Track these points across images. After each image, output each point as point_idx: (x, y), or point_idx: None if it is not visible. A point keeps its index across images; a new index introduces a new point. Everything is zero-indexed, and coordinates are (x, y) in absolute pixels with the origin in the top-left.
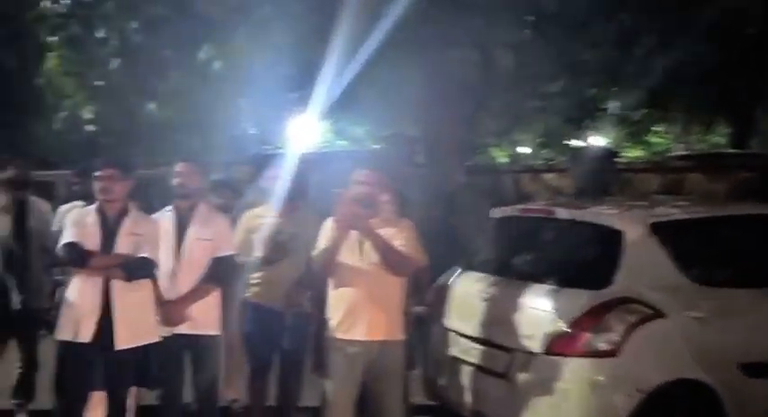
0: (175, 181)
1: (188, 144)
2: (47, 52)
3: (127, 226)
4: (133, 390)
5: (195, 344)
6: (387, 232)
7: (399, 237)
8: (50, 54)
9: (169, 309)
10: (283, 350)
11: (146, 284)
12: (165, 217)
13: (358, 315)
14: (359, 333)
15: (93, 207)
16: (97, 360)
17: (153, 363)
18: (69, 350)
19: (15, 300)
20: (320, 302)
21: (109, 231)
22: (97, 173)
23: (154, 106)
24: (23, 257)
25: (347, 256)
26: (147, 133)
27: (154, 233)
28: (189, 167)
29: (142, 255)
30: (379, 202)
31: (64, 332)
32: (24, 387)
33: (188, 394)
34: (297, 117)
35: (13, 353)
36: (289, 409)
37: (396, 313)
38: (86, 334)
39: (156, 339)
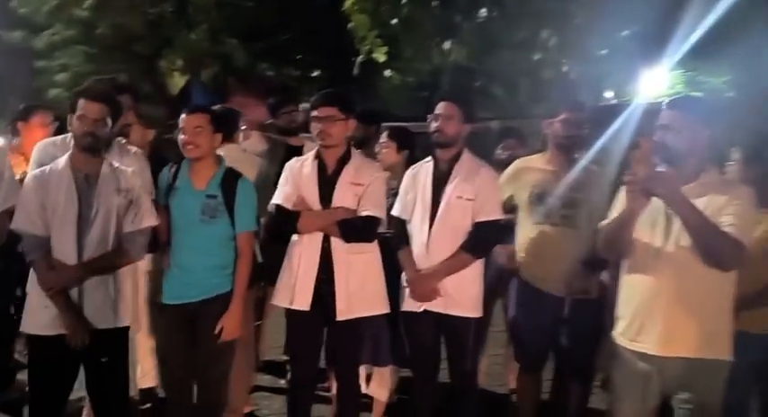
0: (433, 126)
1: (490, 90)
2: None
3: (347, 175)
4: (389, 368)
5: (448, 326)
6: (709, 202)
7: (727, 211)
8: None
9: (419, 281)
10: (560, 347)
11: (372, 247)
12: (423, 170)
13: (651, 319)
14: (650, 345)
15: (311, 153)
16: (320, 331)
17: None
18: (290, 317)
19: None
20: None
21: (326, 182)
22: (314, 113)
23: (451, 45)
24: None
25: (644, 233)
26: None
27: (379, 184)
28: (450, 108)
29: (365, 214)
30: (696, 157)
31: (280, 297)
32: None
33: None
34: (641, 65)
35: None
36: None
37: (715, 320)
38: (303, 302)
39: (383, 311)
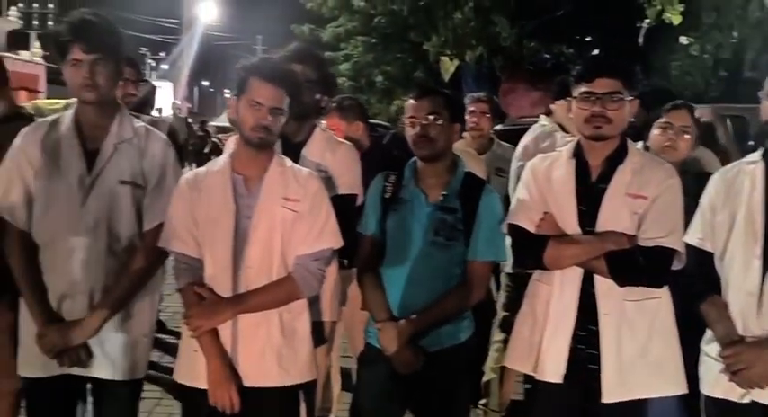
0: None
1: None
2: None
3: (622, 181)
4: None
5: None
6: None
7: None
8: None
9: (749, 355)
10: None
11: (660, 293)
12: (746, 176)
13: None
14: None
15: (565, 150)
16: (576, 414)
17: None
18: (535, 391)
19: None
20: None
21: (589, 192)
22: (583, 88)
23: None
24: None
25: None
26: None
27: (674, 196)
28: None
29: (653, 243)
30: None
31: (518, 359)
32: None
33: None
34: None
35: None
36: None
37: None
38: (553, 371)
39: (677, 391)
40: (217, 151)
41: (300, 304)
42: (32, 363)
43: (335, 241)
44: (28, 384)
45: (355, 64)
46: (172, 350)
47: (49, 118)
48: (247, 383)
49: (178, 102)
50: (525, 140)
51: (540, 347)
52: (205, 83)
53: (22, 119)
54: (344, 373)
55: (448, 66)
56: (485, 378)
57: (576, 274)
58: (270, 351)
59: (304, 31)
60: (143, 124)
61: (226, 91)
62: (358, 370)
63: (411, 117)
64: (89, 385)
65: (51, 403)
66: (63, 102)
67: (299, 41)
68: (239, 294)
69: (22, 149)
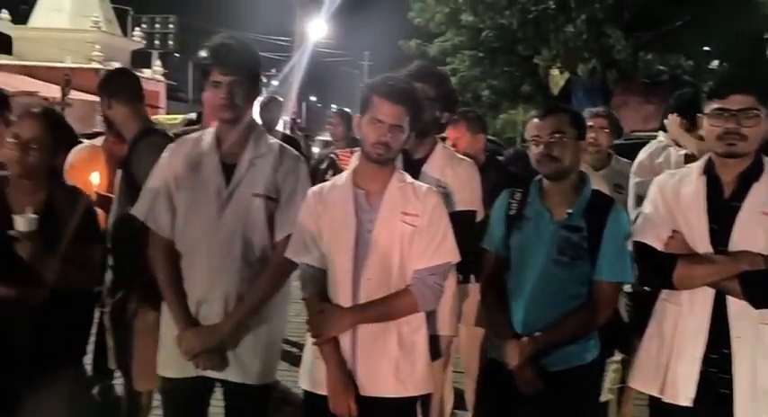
0: None
1: None
2: None
3: (758, 199)
4: None
5: None
6: None
7: None
8: None
9: None
10: None
11: None
12: None
13: None
14: None
15: (694, 165)
16: None
17: None
18: (661, 411)
19: None
20: None
21: (722, 210)
22: (715, 105)
23: None
24: None
25: None
26: None
27: None
28: None
29: None
30: None
31: (643, 380)
32: None
33: None
34: None
35: None
36: None
37: None
38: (682, 393)
39: None
40: (334, 166)
41: (419, 318)
42: (172, 364)
43: (453, 256)
44: (167, 383)
45: (461, 78)
46: (284, 357)
47: (194, 134)
48: (364, 392)
49: (296, 119)
50: (641, 156)
51: (667, 368)
52: (313, 98)
53: (156, 134)
54: (455, 391)
55: (558, 80)
56: (602, 399)
57: (707, 294)
58: (387, 363)
59: (411, 47)
60: (276, 140)
61: (332, 106)
62: (477, 385)
63: (535, 136)
64: (221, 388)
65: (187, 403)
66: (180, 117)
67: (407, 57)
68: (358, 304)
69: (168, 163)
